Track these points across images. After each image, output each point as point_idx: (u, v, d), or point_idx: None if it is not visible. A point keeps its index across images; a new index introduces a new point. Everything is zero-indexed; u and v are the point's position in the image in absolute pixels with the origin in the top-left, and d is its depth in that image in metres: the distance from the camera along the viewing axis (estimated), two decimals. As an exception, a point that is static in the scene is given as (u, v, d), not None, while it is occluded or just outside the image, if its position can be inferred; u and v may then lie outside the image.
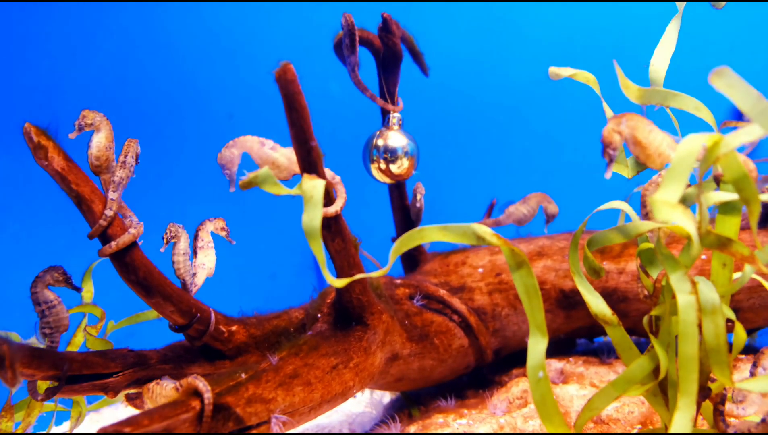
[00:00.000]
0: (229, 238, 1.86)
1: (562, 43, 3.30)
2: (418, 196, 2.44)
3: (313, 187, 1.25)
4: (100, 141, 1.58)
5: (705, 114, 1.55)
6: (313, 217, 1.22)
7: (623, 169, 1.64)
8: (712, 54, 3.15)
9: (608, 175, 1.29)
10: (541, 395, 1.28)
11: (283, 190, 1.32)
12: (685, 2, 1.76)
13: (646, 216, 1.56)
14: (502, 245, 1.27)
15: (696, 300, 1.17)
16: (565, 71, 1.67)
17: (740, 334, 1.42)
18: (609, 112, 1.69)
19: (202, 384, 1.43)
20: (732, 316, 1.39)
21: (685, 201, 1.30)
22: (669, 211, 1.11)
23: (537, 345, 1.28)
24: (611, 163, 1.28)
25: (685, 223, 1.11)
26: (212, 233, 1.85)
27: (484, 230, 1.27)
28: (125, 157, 1.63)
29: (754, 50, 3.21)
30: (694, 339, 1.16)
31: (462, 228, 1.29)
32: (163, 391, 1.50)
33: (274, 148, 1.75)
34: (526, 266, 1.27)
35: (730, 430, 1.37)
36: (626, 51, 2.41)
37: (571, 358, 2.31)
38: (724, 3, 1.78)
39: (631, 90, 1.62)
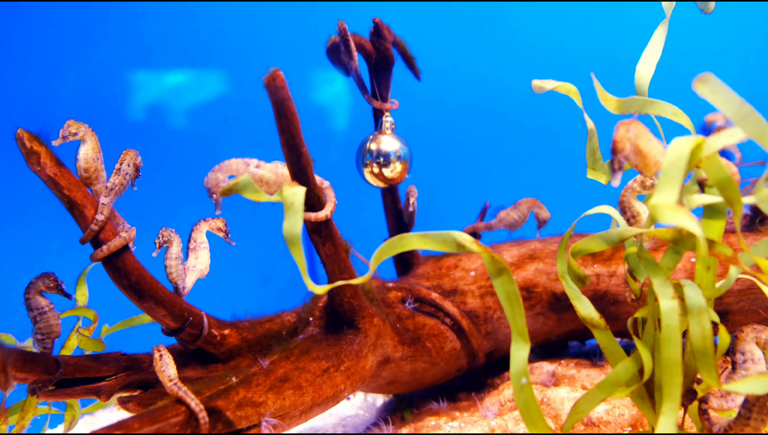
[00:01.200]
0: (228, 238, 1.87)
1: (554, 47, 3.32)
2: (411, 200, 2.44)
3: (293, 194, 1.26)
4: (86, 152, 1.59)
5: (683, 119, 1.56)
6: (293, 223, 1.23)
7: (601, 175, 1.65)
8: (698, 58, 3.17)
9: (617, 183, 1.28)
10: (525, 401, 1.29)
11: (264, 197, 1.33)
12: (673, 5, 1.76)
13: (628, 220, 1.57)
14: (482, 253, 1.27)
15: (678, 305, 1.18)
16: (549, 84, 1.68)
17: (723, 337, 1.44)
18: (590, 124, 1.70)
19: (194, 404, 1.43)
20: (716, 318, 1.40)
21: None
22: (672, 214, 1.11)
23: (519, 351, 1.28)
24: (620, 171, 1.27)
25: (690, 224, 1.10)
26: (210, 234, 1.85)
27: (464, 238, 1.27)
28: (121, 164, 1.64)
29: (741, 54, 3.23)
30: (677, 343, 1.17)
31: (442, 235, 1.29)
32: (161, 373, 1.51)
33: (259, 166, 1.77)
34: (506, 273, 1.28)
35: (714, 429, 1.38)
36: (618, 53, 2.42)
37: (562, 361, 2.32)
38: (713, 6, 1.79)
39: (609, 102, 1.63)
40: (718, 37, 3.19)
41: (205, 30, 3.27)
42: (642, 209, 1.58)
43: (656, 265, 1.22)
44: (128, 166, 1.65)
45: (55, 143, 1.55)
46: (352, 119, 3.22)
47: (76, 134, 1.57)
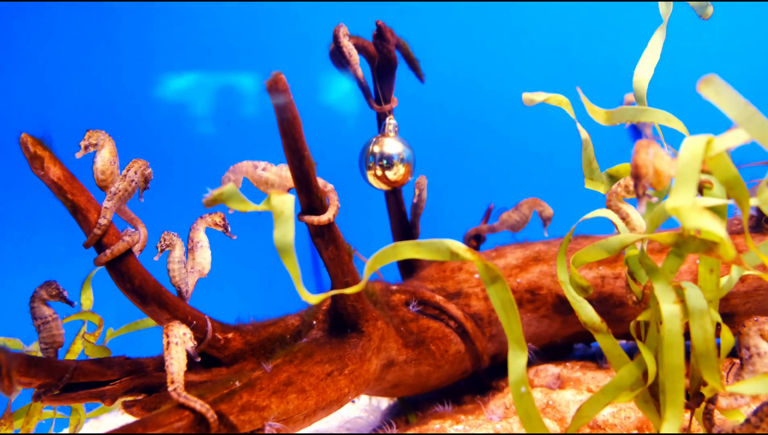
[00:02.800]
0: (229, 232, 1.86)
1: (558, 49, 3.31)
2: (417, 192, 2.43)
3: (282, 202, 1.24)
4: (104, 157, 1.62)
5: (676, 125, 1.55)
6: (284, 232, 1.21)
7: (599, 185, 1.64)
8: (698, 60, 3.16)
9: (643, 209, 1.26)
10: (525, 410, 1.28)
11: (251, 207, 1.31)
12: (671, 9, 1.76)
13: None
14: (475, 261, 1.26)
15: (680, 310, 1.17)
16: (539, 96, 1.67)
17: (727, 337, 1.43)
18: (584, 134, 1.69)
19: (199, 405, 1.43)
20: (719, 319, 1.39)
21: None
22: (697, 216, 1.09)
23: (517, 360, 1.27)
24: (645, 196, 1.24)
25: (715, 227, 1.09)
26: (212, 232, 1.85)
27: (458, 246, 1.26)
28: (128, 171, 1.65)
29: (742, 56, 3.21)
30: (679, 349, 1.16)
31: (435, 244, 1.28)
32: (165, 367, 1.48)
33: (265, 169, 1.78)
34: (500, 281, 1.27)
35: (715, 430, 1.37)
36: (622, 55, 2.41)
37: (568, 363, 2.31)
38: (711, 11, 1.78)
39: (598, 114, 1.62)
40: (718, 39, 3.18)
41: (210, 32, 3.27)
42: (630, 210, 1.58)
43: (658, 270, 1.22)
44: (135, 173, 1.66)
45: (78, 155, 1.60)
46: (360, 121, 3.22)
47: (96, 144, 1.60)
